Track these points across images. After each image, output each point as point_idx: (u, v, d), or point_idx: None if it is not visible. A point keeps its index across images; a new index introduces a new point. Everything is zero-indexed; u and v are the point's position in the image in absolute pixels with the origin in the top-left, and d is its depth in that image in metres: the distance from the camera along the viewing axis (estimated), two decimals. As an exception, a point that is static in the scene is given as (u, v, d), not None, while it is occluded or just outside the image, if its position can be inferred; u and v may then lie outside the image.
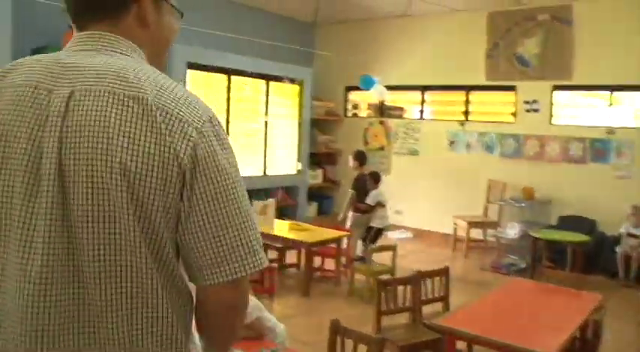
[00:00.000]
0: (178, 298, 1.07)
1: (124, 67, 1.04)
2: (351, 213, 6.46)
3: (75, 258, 0.99)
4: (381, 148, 9.11)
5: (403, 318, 3.90)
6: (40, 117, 1.00)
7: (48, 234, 0.98)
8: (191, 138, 1.01)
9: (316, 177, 9.39)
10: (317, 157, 9.45)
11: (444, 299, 4.02)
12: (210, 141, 1.04)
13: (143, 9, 1.14)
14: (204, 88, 7.35)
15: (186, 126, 1.01)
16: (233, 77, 7.68)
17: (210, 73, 7.42)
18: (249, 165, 8.10)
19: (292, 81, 8.58)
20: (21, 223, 1.00)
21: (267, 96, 8.26)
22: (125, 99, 0.99)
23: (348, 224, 6.42)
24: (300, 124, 8.83)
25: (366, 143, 9.22)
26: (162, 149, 0.98)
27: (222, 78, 7.57)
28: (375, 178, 6.50)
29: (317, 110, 9.25)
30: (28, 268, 0.99)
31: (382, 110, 9.24)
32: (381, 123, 9.15)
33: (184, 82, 6.96)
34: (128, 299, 1.01)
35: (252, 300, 2.94)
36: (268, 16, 8.74)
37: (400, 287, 3.76)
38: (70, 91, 1.00)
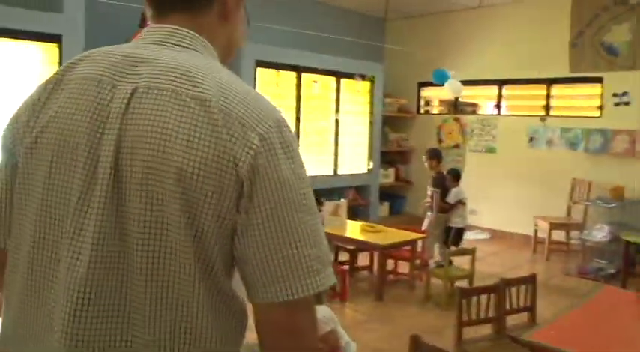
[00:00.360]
0: (226, 314, 1.01)
1: (191, 64, 0.99)
2: (428, 213, 6.21)
3: (125, 266, 0.95)
4: (456, 146, 8.76)
5: (485, 329, 3.63)
6: (102, 113, 0.97)
7: (97, 240, 0.94)
8: (252, 146, 0.93)
9: (388, 176, 9.14)
10: (389, 156, 9.20)
11: (531, 309, 3.71)
12: (274, 149, 0.96)
13: (227, 1, 1.12)
14: (273, 86, 7.26)
15: (249, 132, 0.94)
16: (303, 74, 7.56)
17: (279, 71, 7.31)
18: (319, 165, 7.96)
19: (363, 77, 8.37)
20: (72, 227, 0.96)
21: (337, 93, 8.08)
22: (187, 99, 0.94)
23: (426, 225, 6.17)
24: (371, 122, 8.61)
25: (439, 141, 8.90)
26: (220, 156, 0.92)
27: (291, 75, 7.45)
28: (456, 176, 6.24)
29: (388, 107, 9.01)
30: (74, 275, 0.94)
31: (456, 106, 8.89)
32: (456, 119, 8.80)
33: (254, 80, 6.89)
34: (171, 311, 0.95)
35: (327, 311, 2.77)
36: (338, 11, 8.57)
37: (483, 296, 3.49)
38: (133, 88, 0.97)
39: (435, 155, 6.43)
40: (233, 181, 0.93)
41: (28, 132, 1.03)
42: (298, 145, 1.02)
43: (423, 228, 6.14)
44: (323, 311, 2.74)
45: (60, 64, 5.29)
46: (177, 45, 1.05)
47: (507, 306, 3.57)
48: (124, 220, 0.94)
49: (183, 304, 0.95)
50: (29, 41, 5.25)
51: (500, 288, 3.52)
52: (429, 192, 6.26)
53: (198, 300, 0.96)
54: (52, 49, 5.34)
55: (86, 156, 0.96)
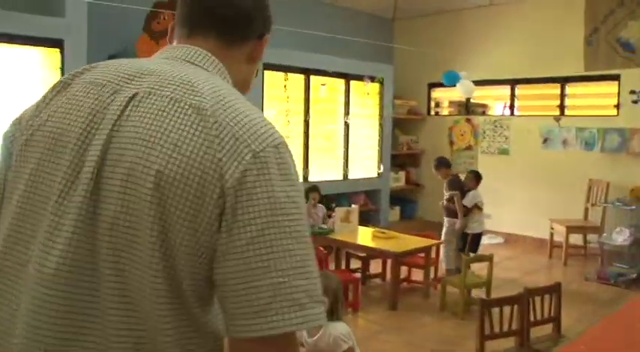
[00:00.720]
0: (195, 344, 0.93)
1: (197, 76, 0.99)
2: (445, 219, 6.02)
3: (93, 277, 0.91)
4: (468, 148, 8.56)
5: (508, 342, 3.43)
6: (98, 115, 0.96)
7: (69, 243, 0.90)
8: (243, 161, 0.89)
9: (398, 180, 8.95)
10: (399, 159, 9.02)
11: (555, 320, 3.52)
12: (268, 168, 0.90)
13: (257, 46, 1.17)
14: (281, 89, 7.10)
15: (242, 147, 0.90)
16: (312, 77, 7.39)
17: (287, 74, 7.15)
18: (328, 169, 7.79)
19: (372, 79, 8.19)
20: (47, 227, 0.93)
21: (346, 95, 7.91)
22: (185, 106, 0.92)
23: (446, 231, 5.97)
24: (380, 124, 8.42)
25: (451, 143, 8.71)
26: (206, 164, 0.88)
27: (300, 78, 7.29)
28: (477, 177, 6.06)
29: (398, 109, 8.82)
30: (41, 276, 0.91)
31: (467, 107, 8.70)
32: (467, 120, 8.60)
33: (262, 84, 6.73)
34: (131, 332, 0.90)
35: (345, 327, 2.60)
36: (346, 12, 8.41)
37: (506, 307, 3.30)
38: (133, 93, 0.96)
39: (442, 163, 6.26)
40: (216, 194, 0.87)
41: (26, 130, 1.03)
42: (297, 174, 0.96)
43: (443, 235, 5.94)
44: (341, 327, 2.58)
45: (62, 68, 5.19)
46: (189, 61, 1.06)
47: (531, 317, 3.38)
48: (96, 224, 0.90)
49: (146, 329, 0.89)
50: (31, 46, 5.13)
51: (523, 298, 3.33)
52: (446, 196, 6.04)
53: (163, 328, 0.89)
54: (53, 53, 5.21)
55: (73, 156, 0.94)
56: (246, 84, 1.20)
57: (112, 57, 5.87)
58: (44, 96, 1.07)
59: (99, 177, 0.91)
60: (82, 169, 0.93)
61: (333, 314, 2.59)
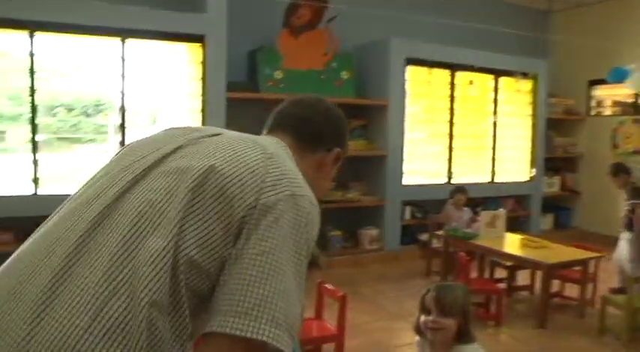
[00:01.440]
0: None
1: (267, 141, 1.24)
2: (625, 234, 5.21)
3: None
4: (637, 152, 7.59)
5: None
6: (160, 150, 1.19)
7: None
8: (280, 194, 1.07)
9: (552, 186, 8.19)
10: (553, 162, 8.24)
11: None
12: (298, 208, 1.08)
13: (326, 157, 1.39)
14: (425, 86, 6.75)
15: (284, 183, 1.09)
16: (457, 73, 6.95)
17: (432, 69, 6.77)
18: (475, 171, 7.32)
19: (525, 75, 7.55)
20: (73, 225, 1.09)
21: (495, 93, 7.36)
22: (252, 144, 1.17)
23: (622, 247, 5.23)
24: (533, 125, 7.75)
25: (614, 146, 7.79)
26: (255, 176, 1.08)
27: (444, 74, 6.88)
28: None
29: (553, 108, 8.07)
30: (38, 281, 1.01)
31: (636, 106, 7.73)
32: (636, 121, 7.64)
33: (403, 80, 6.43)
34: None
35: (478, 349, 2.23)
36: (496, 3, 7.84)
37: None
38: (199, 136, 1.23)
39: (621, 170, 5.47)
40: (248, 203, 1.04)
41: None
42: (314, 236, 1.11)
43: (624, 251, 5.19)
44: (475, 349, 2.22)
45: (203, 63, 5.28)
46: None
47: None
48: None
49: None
50: (176, 41, 5.30)
51: None
52: (626, 206, 5.27)
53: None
54: (196, 48, 5.34)
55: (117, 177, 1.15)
56: (312, 188, 1.22)
57: (251, 53, 5.91)
58: None
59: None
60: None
61: (462, 336, 2.22)
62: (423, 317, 2.28)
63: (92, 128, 5.43)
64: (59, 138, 5.30)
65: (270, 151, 1.14)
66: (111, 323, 0.94)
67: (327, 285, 3.50)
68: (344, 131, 1.46)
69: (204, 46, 5.29)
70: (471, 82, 7.12)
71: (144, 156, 1.17)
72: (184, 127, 1.29)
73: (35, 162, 4.82)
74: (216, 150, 1.12)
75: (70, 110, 5.36)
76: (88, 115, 5.42)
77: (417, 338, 2.40)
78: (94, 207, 1.08)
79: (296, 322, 1.01)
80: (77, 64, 5.19)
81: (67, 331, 0.92)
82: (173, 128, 1.30)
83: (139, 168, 1.13)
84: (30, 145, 4.82)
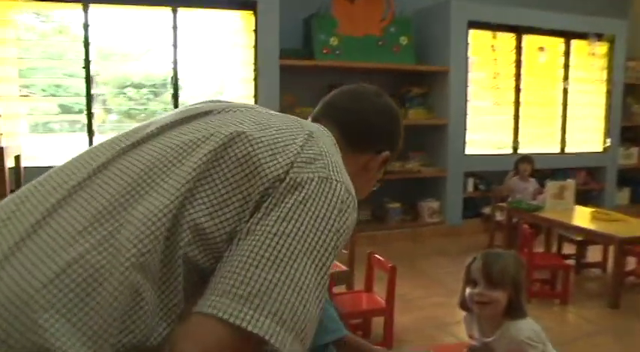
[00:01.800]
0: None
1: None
2: None
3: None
4: None
5: None
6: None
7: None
8: (315, 174, 0.93)
9: (629, 157, 7.62)
10: (631, 132, 7.64)
11: None
12: (333, 190, 0.92)
13: (373, 159, 1.24)
14: (488, 51, 6.37)
15: (320, 165, 0.95)
16: (524, 36, 6.51)
17: (496, 33, 6.37)
18: (543, 141, 6.91)
19: (599, 37, 7.00)
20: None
21: (566, 57, 6.87)
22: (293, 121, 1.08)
23: None
24: (608, 91, 7.19)
25: (701, 113, 7.17)
26: (289, 148, 0.96)
27: (510, 37, 6.47)
28: None
29: (632, 73, 7.45)
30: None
31: None
32: None
33: (465, 44, 6.09)
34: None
35: (532, 326, 2.00)
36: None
37: None
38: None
39: None
40: (274, 175, 0.91)
41: None
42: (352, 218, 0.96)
43: None
44: (526, 327, 1.97)
45: (255, 31, 5.19)
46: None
47: None
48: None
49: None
50: (227, 9, 5.21)
51: None
52: None
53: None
54: (248, 16, 5.23)
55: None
56: (356, 189, 1.09)
57: (306, 20, 5.72)
58: None
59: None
60: None
61: (513, 311, 1.97)
62: (468, 290, 2.05)
63: (161, 107, 5.38)
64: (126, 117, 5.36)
65: (312, 130, 1.02)
66: (81, 279, 0.80)
67: (376, 256, 3.32)
68: (398, 132, 1.31)
69: (256, 14, 5.19)
70: (541, 49, 6.67)
71: (165, 118, 1.07)
72: (216, 100, 1.16)
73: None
74: (250, 119, 1.00)
75: (139, 88, 5.38)
76: (156, 95, 5.44)
77: (465, 313, 2.18)
78: (101, 158, 0.97)
79: (308, 327, 0.84)
80: (131, 39, 5.17)
81: (27, 282, 0.79)
82: (202, 102, 1.18)
83: (158, 124, 1.03)
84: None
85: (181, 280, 0.86)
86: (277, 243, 0.84)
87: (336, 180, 0.93)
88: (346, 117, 1.22)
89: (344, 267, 3.54)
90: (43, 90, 5.16)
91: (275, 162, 0.91)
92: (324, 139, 1.04)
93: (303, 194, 0.88)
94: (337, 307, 1.73)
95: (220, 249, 0.87)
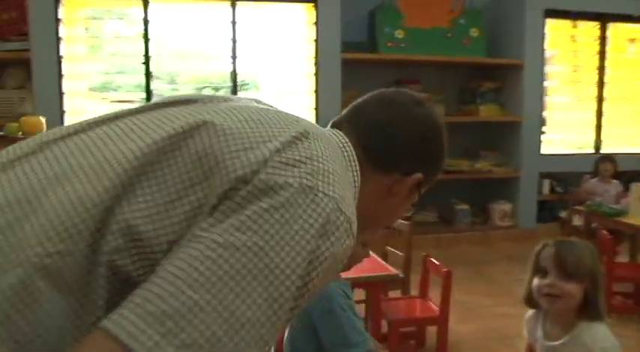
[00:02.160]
0: None
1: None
2: None
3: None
4: None
5: None
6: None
7: None
8: (293, 178, 0.73)
9: None
10: None
11: None
12: (313, 201, 0.73)
13: (400, 182, 0.98)
14: (568, 42, 5.99)
15: (302, 168, 0.75)
16: (609, 24, 6.07)
17: (576, 22, 6.00)
18: (628, 140, 6.45)
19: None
20: None
21: (658, 48, 6.35)
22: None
23: None
24: None
25: None
26: (263, 141, 0.78)
27: (593, 27, 6.05)
28: None
29: None
30: None
31: None
32: None
33: (542, 35, 5.71)
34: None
35: (604, 334, 1.68)
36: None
37: None
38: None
39: None
40: (236, 175, 0.72)
41: None
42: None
43: None
44: (601, 333, 1.66)
45: (316, 24, 5.12)
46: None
47: None
48: None
49: None
50: (287, 2, 5.18)
51: None
52: None
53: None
54: (309, 9, 5.18)
55: None
56: (375, 220, 1.02)
57: (371, 13, 5.56)
58: None
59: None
60: None
61: (589, 309, 1.68)
62: (536, 281, 1.73)
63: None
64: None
65: (310, 132, 0.82)
66: None
67: (432, 259, 3.08)
68: (437, 153, 1.03)
69: (316, 6, 5.11)
70: (631, 40, 6.18)
71: (141, 105, 0.92)
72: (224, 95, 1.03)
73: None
74: (231, 110, 0.83)
75: (217, 89, 5.41)
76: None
77: (529, 313, 1.88)
78: (54, 136, 0.83)
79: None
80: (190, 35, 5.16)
81: None
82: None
83: (120, 113, 0.88)
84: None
85: (103, 293, 0.68)
86: (220, 256, 0.65)
87: (323, 192, 0.74)
88: (370, 128, 0.99)
89: (394, 271, 3.30)
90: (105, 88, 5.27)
91: (244, 158, 0.73)
92: (325, 142, 0.84)
93: (273, 201, 0.70)
94: (364, 316, 1.54)
95: (158, 259, 0.69)
